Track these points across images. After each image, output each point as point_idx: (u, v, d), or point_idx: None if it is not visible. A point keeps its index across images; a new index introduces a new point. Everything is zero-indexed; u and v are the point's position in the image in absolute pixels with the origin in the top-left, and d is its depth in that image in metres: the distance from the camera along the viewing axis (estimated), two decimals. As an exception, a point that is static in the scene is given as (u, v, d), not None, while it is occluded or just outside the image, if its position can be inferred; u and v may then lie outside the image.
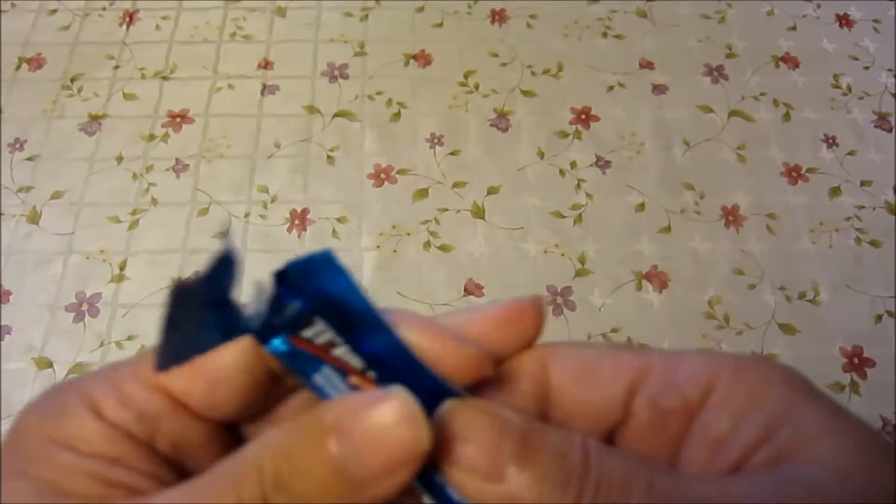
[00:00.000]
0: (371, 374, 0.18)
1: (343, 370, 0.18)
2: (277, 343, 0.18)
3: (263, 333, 0.18)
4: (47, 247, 0.63)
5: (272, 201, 0.66)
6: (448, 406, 0.17)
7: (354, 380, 0.18)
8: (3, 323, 0.59)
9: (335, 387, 0.18)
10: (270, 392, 0.20)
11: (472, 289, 0.62)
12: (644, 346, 0.19)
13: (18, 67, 0.74)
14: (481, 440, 0.17)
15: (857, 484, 0.16)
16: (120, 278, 0.61)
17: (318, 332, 0.18)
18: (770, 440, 0.17)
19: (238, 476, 0.16)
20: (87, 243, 0.63)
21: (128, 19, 0.77)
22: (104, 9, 0.78)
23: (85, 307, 0.60)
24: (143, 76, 0.73)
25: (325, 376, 0.18)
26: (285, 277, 0.17)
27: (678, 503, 0.16)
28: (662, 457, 0.19)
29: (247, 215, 0.65)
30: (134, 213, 0.65)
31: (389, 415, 0.16)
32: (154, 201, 0.66)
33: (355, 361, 0.18)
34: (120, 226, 0.64)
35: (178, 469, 0.19)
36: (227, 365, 0.19)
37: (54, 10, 0.78)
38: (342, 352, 0.18)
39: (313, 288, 0.18)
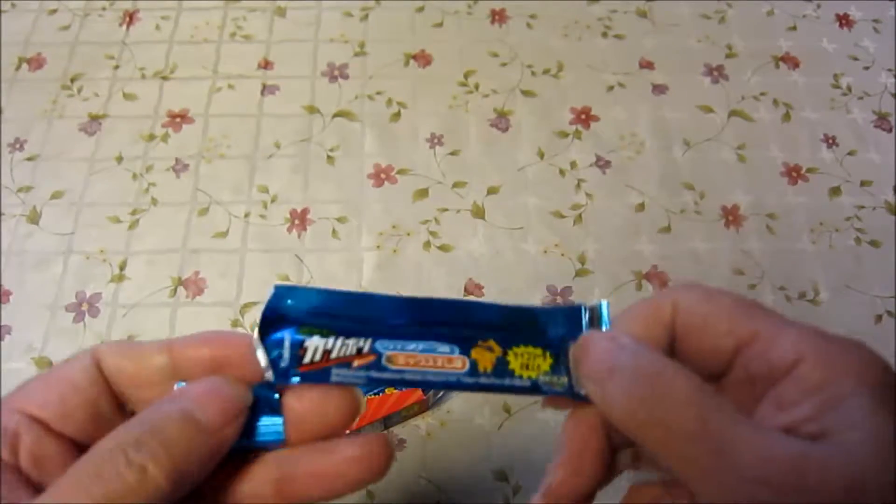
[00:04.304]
0: (365, 346, 0.23)
1: (346, 362, 0.23)
2: (294, 380, 0.22)
3: (284, 377, 0.22)
4: (47, 247, 0.63)
5: (272, 201, 0.66)
6: (586, 334, 0.23)
7: (357, 363, 0.23)
8: (3, 323, 0.59)
9: (345, 377, 0.23)
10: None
11: (472, 289, 0.62)
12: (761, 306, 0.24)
13: (18, 67, 0.74)
14: (592, 360, 0.23)
15: (862, 470, 0.20)
16: (120, 278, 0.61)
17: (315, 348, 0.23)
18: (820, 418, 0.21)
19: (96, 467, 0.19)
20: (87, 243, 0.63)
21: (128, 19, 0.77)
22: (104, 9, 0.78)
23: (85, 307, 0.60)
24: (143, 76, 0.73)
25: (336, 374, 0.23)
26: (264, 332, 0.22)
27: (722, 436, 0.20)
28: (744, 407, 0.23)
29: (247, 215, 0.65)
30: (134, 213, 0.65)
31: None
32: (154, 201, 0.66)
33: (352, 347, 0.23)
34: (120, 226, 0.64)
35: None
36: (73, 376, 0.23)
37: (54, 10, 0.78)
38: (340, 344, 0.23)
39: (288, 325, 0.23)
